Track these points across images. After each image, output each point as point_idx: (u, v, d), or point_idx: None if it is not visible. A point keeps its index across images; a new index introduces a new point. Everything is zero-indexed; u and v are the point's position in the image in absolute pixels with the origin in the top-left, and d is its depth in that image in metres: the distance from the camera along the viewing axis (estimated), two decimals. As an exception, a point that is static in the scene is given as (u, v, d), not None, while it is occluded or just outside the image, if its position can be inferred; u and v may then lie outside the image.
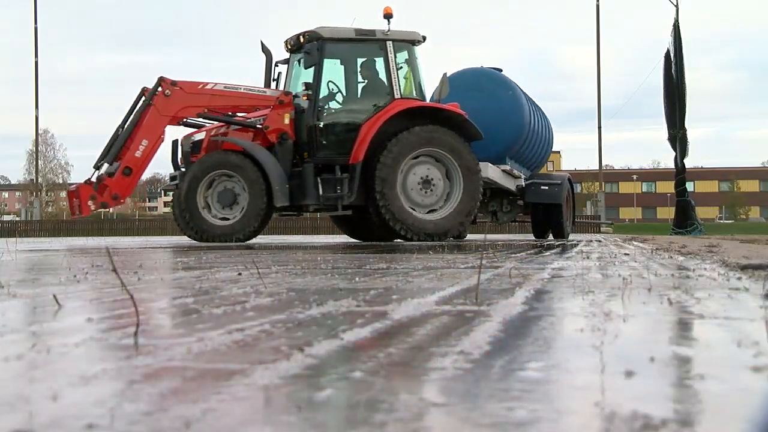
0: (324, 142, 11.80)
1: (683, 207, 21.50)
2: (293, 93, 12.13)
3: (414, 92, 12.10)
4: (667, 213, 67.42)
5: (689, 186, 22.78)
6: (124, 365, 1.36)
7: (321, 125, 11.83)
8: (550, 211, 14.76)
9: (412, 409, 1.03)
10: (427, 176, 11.66)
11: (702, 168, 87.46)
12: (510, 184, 14.16)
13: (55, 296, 2.51)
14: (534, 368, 1.33)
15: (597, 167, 33.55)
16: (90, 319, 2.03)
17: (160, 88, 12.00)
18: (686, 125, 21.36)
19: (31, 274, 4.10)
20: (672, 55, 21.24)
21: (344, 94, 12.23)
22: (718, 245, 8.32)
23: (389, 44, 11.83)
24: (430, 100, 12.33)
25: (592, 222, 29.60)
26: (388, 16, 11.96)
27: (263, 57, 12.58)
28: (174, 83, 12.08)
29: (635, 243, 10.40)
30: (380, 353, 1.47)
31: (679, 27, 21.48)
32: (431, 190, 11.68)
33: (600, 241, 12.65)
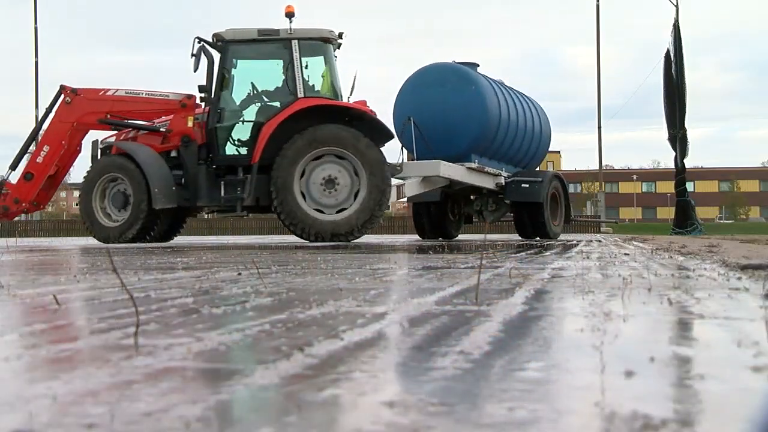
0: (227, 143, 11.92)
1: (683, 207, 21.50)
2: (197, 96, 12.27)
3: (330, 91, 12.00)
4: (667, 213, 67.45)
5: (689, 186, 22.79)
6: (124, 365, 1.36)
7: (223, 127, 11.92)
8: (531, 210, 14.32)
9: (412, 409, 1.03)
10: (330, 176, 11.49)
11: (702, 168, 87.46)
12: (484, 182, 13.86)
13: (55, 296, 2.51)
14: (534, 368, 1.33)
15: (597, 167, 33.54)
16: (90, 319, 2.03)
17: (61, 96, 12.46)
18: (686, 125, 21.38)
19: (31, 274, 4.10)
20: (672, 55, 21.25)
21: (250, 95, 12.27)
22: (718, 245, 8.32)
23: (294, 43, 11.74)
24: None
25: (592, 221, 29.59)
26: (289, 15, 11.91)
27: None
28: (74, 91, 12.51)
29: (635, 243, 10.40)
30: (380, 353, 1.47)
31: (679, 27, 21.48)
32: (336, 190, 11.50)
33: (600, 241, 12.65)
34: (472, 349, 1.51)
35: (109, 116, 12.40)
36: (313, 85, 11.95)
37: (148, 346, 1.56)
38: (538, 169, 16.41)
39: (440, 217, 15.45)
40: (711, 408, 1.06)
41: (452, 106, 13.32)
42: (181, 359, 1.42)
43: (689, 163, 22.75)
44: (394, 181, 12.78)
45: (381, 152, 11.48)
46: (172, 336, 1.72)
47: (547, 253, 6.72)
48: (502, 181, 14.15)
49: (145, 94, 12.56)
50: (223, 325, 1.88)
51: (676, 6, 22.24)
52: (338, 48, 12.42)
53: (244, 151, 11.77)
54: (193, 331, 1.77)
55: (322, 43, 11.97)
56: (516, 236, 15.51)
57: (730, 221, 73.85)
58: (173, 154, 11.97)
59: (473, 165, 13.42)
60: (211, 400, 1.09)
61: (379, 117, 11.75)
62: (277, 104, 11.88)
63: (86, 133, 12.87)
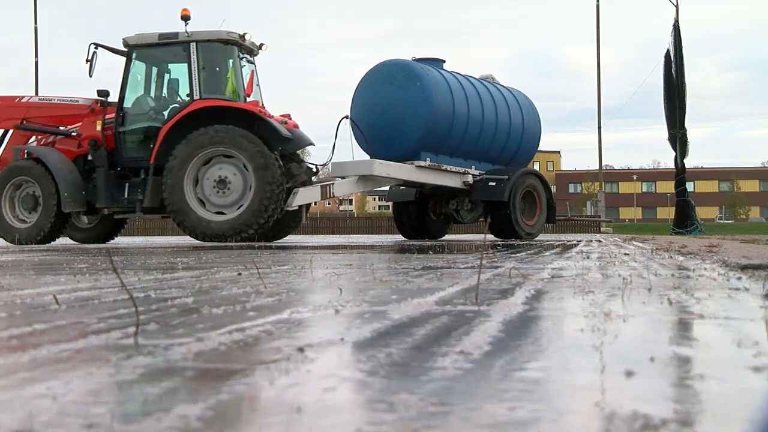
0: (129, 146, 12.18)
1: (683, 207, 21.51)
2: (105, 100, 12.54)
3: (233, 93, 12.10)
4: (667, 213, 67.46)
5: (689, 186, 22.79)
6: (124, 365, 1.36)
7: (126, 130, 12.17)
8: (499, 209, 13.83)
9: (412, 409, 1.03)
10: (221, 176, 11.60)
11: (702, 168, 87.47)
12: (446, 181, 13.61)
13: (55, 296, 2.52)
14: (534, 368, 1.33)
15: (597, 167, 33.55)
16: (90, 319, 2.03)
17: None
18: (686, 125, 21.39)
19: (31, 274, 4.10)
20: (672, 55, 21.26)
21: (153, 98, 12.50)
22: (718, 245, 8.32)
23: (192, 46, 11.90)
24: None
25: (588, 221, 29.58)
26: (185, 18, 12.09)
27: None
28: None
29: (635, 243, 10.40)
30: (380, 353, 1.47)
31: (679, 27, 21.49)
32: (228, 190, 11.59)
33: (600, 241, 12.65)
34: (473, 349, 1.51)
35: (25, 122, 12.80)
36: (219, 87, 12.08)
37: (148, 346, 1.56)
38: (531, 165, 16.11)
39: (421, 217, 15.17)
40: (711, 408, 1.06)
41: (399, 104, 13.09)
42: (181, 359, 1.42)
43: (689, 163, 22.76)
44: (342, 180, 12.91)
45: (269, 153, 11.46)
46: (172, 336, 1.72)
47: (547, 253, 6.72)
48: (470, 179, 13.81)
49: (58, 99, 12.94)
50: (223, 325, 1.88)
51: (676, 6, 22.25)
52: (255, 54, 12.71)
53: (144, 153, 12.03)
54: (193, 331, 1.77)
55: (223, 45, 12.10)
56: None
57: (730, 221, 73.85)
58: (90, 157, 12.35)
59: (423, 163, 13.15)
60: (211, 400, 1.09)
61: (273, 121, 11.81)
62: (177, 106, 12.13)
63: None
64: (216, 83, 12.04)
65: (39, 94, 13.25)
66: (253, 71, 12.42)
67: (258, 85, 12.71)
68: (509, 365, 1.35)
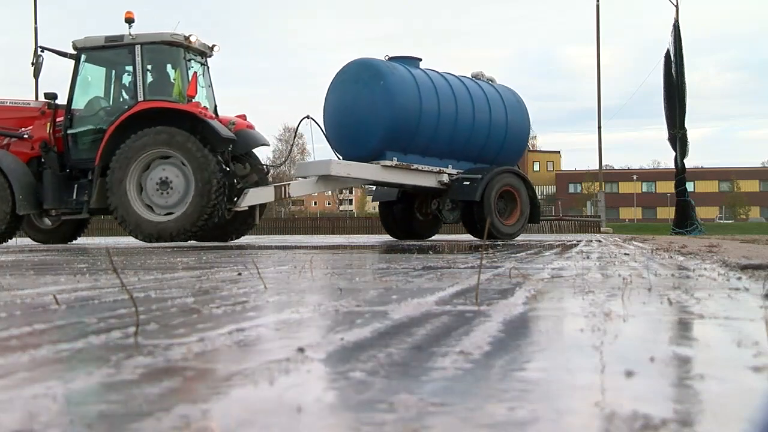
0: (77, 147, 12.31)
1: (683, 207, 21.52)
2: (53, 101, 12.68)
3: (179, 95, 12.20)
4: (667, 213, 67.46)
5: (689, 186, 22.79)
6: (125, 365, 1.36)
7: (74, 132, 12.31)
8: (473, 209, 13.50)
9: (412, 409, 1.03)
10: (163, 177, 11.71)
11: (702, 168, 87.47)
12: (419, 180, 13.43)
13: (55, 296, 2.52)
14: (534, 368, 1.33)
15: (597, 167, 33.55)
16: (90, 319, 2.03)
17: None
18: (686, 125, 21.40)
19: (31, 274, 4.10)
20: (672, 55, 21.27)
21: (100, 100, 12.64)
22: (718, 245, 8.32)
23: (136, 48, 12.03)
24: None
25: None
26: (129, 20, 12.22)
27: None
28: None
29: (635, 243, 10.41)
30: (380, 353, 1.47)
31: (679, 27, 21.50)
32: (171, 190, 11.70)
33: (600, 241, 12.65)
34: (473, 349, 1.51)
35: None
36: (164, 89, 12.19)
37: (148, 346, 1.56)
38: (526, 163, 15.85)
39: (407, 217, 14.93)
40: (711, 408, 1.06)
41: (364, 103, 12.99)
42: (181, 359, 1.42)
43: (689, 163, 22.77)
44: (300, 180, 12.91)
45: (207, 153, 11.54)
46: (172, 336, 1.72)
47: (547, 253, 6.72)
48: (446, 178, 13.55)
49: (10, 102, 13.07)
50: (223, 325, 1.88)
51: (676, 6, 22.25)
52: (208, 56, 12.86)
53: (92, 154, 12.16)
54: (193, 331, 1.77)
55: (168, 47, 12.21)
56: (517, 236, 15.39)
57: (730, 221, 73.85)
58: (43, 159, 12.51)
59: (389, 163, 13.01)
60: (211, 400, 1.09)
61: (213, 122, 11.92)
62: (125, 108, 12.24)
63: None
64: (161, 85, 12.22)
65: None
66: (196, 72, 12.49)
67: (210, 86, 12.88)
68: (509, 365, 1.35)
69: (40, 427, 0.95)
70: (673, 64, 21.18)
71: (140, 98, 11.87)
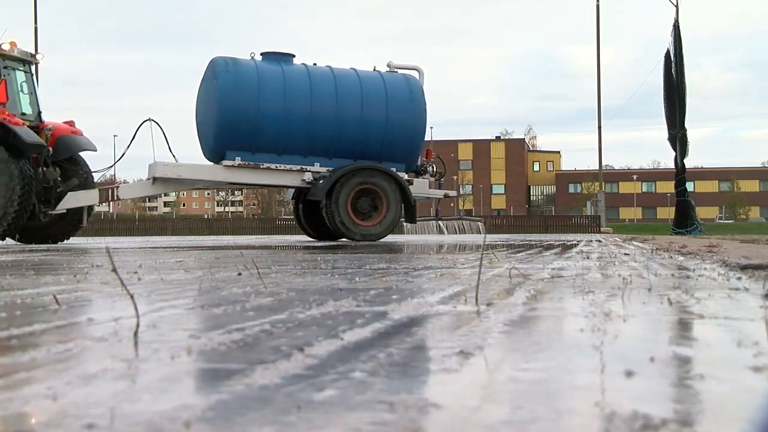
0: None
1: (683, 207, 21.54)
2: None
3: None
4: (667, 213, 67.45)
5: (689, 186, 22.81)
6: (124, 365, 1.36)
7: None
8: (324, 208, 12.97)
9: (412, 409, 1.03)
10: None
11: (702, 168, 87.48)
12: (274, 180, 13.32)
13: (55, 296, 2.52)
14: (534, 368, 1.33)
15: (597, 167, 33.55)
16: (90, 319, 2.03)
17: None
18: (686, 125, 21.41)
19: (31, 274, 4.10)
20: (672, 55, 21.29)
21: None
22: (718, 245, 8.33)
23: None
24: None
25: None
26: None
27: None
28: None
29: (635, 243, 10.41)
30: (380, 353, 1.47)
31: (679, 27, 21.52)
32: None
33: (600, 241, 12.65)
34: (472, 349, 1.51)
35: None
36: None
37: (148, 346, 1.56)
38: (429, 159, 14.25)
39: (316, 216, 14.00)
40: (711, 408, 1.06)
41: (205, 103, 13.05)
42: (181, 359, 1.42)
43: (689, 163, 22.79)
44: (131, 183, 13.11)
45: (10, 159, 11.83)
46: (172, 336, 1.71)
47: (547, 253, 6.72)
48: (310, 177, 13.15)
49: None
50: (223, 325, 1.88)
51: (676, 6, 22.26)
52: (31, 63, 13.12)
53: None
54: (193, 331, 1.77)
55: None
56: (516, 236, 15.41)
57: (730, 221, 73.86)
58: None
59: (232, 163, 12.89)
60: (211, 399, 1.09)
61: (19, 128, 12.14)
62: None
63: None
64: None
65: None
66: (5, 79, 12.64)
67: (33, 93, 13.08)
68: (509, 365, 1.35)
69: (40, 428, 0.95)
70: (673, 64, 21.20)
71: None
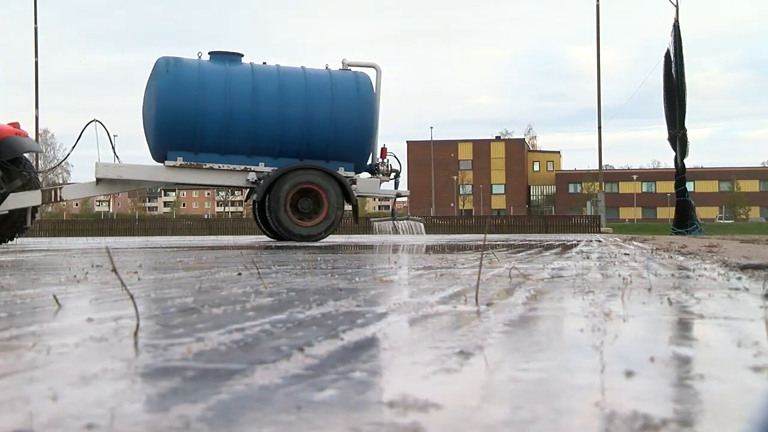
0: None
1: (683, 207, 21.54)
2: None
3: None
4: (667, 213, 67.46)
5: (689, 186, 22.81)
6: (124, 365, 1.36)
7: None
8: (261, 207, 13.04)
9: (412, 409, 1.03)
10: None
11: (702, 168, 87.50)
12: (218, 180, 13.21)
13: (55, 296, 2.52)
14: (534, 368, 1.33)
15: (597, 167, 33.55)
16: (90, 319, 2.03)
17: None
18: (686, 125, 21.42)
19: (31, 274, 4.10)
20: (672, 55, 21.29)
21: None
22: (718, 245, 8.33)
23: None
24: None
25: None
26: None
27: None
28: None
29: (635, 243, 10.41)
30: (380, 353, 1.47)
31: (679, 27, 21.51)
32: None
33: (600, 241, 12.65)
34: (473, 349, 1.51)
35: None
36: None
37: (148, 346, 1.56)
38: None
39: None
40: (711, 408, 1.06)
41: (147, 104, 13.04)
42: (181, 359, 1.42)
43: (689, 163, 22.78)
44: (75, 184, 13.02)
45: None
46: (172, 336, 1.71)
47: (547, 253, 6.72)
48: (254, 177, 13.05)
49: None
50: (223, 325, 1.88)
51: (676, 6, 22.26)
52: None
53: None
54: (193, 331, 1.77)
55: None
56: (516, 236, 15.40)
57: (730, 221, 73.86)
58: None
59: (173, 163, 12.90)
60: (211, 400, 1.09)
61: None
62: None
63: None
64: None
65: None
66: None
67: None
68: (509, 365, 1.35)
69: (40, 428, 0.95)
70: (673, 64, 21.20)
71: None
